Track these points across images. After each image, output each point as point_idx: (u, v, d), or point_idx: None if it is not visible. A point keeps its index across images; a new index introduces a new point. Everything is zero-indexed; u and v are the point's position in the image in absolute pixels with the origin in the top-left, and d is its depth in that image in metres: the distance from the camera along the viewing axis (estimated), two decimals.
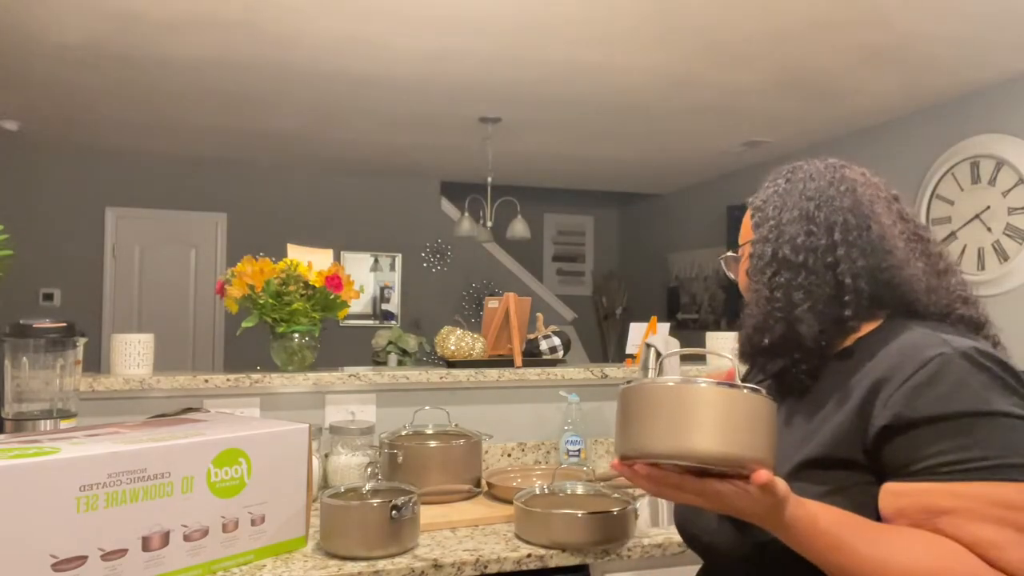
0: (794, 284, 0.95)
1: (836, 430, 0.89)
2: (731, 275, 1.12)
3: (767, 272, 0.98)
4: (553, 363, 2.16)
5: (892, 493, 0.84)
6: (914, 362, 0.86)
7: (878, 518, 0.85)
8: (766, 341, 0.96)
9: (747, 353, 1.01)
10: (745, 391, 0.81)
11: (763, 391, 0.82)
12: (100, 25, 3.28)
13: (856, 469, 0.87)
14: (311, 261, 1.90)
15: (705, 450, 0.78)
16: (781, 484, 0.80)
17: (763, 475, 0.78)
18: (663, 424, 0.80)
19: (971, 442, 0.81)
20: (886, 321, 0.96)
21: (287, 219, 6.33)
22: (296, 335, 1.91)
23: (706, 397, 0.80)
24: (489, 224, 5.13)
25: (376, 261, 6.74)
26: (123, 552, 1.10)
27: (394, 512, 1.32)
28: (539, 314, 2.35)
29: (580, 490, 1.55)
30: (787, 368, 0.97)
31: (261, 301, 1.84)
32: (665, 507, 1.51)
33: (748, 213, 1.08)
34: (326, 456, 1.79)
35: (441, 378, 2.01)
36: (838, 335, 0.95)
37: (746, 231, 1.08)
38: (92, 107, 4.60)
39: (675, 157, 5.91)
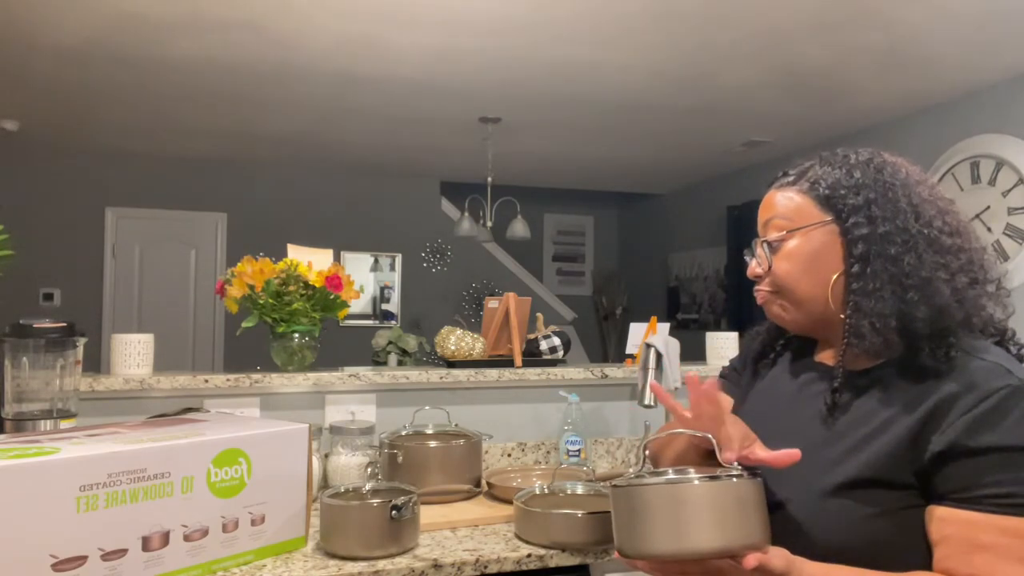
0: (940, 264, 0.92)
1: (887, 451, 0.87)
2: (761, 267, 1.02)
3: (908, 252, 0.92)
4: (553, 363, 2.16)
5: (938, 519, 0.84)
6: (979, 391, 0.84)
7: (927, 542, 0.85)
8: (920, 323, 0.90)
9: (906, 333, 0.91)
10: (733, 479, 0.84)
11: (745, 472, 0.84)
12: (100, 25, 3.28)
13: (905, 490, 0.86)
14: (311, 261, 1.90)
15: (705, 548, 0.82)
16: (776, 560, 0.82)
17: (751, 561, 0.81)
18: (660, 526, 0.83)
19: None
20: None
21: (287, 219, 6.33)
22: (296, 335, 1.91)
23: (698, 493, 0.83)
24: (489, 224, 5.13)
25: (376, 261, 6.74)
26: (123, 552, 1.10)
27: (394, 512, 1.32)
28: (539, 314, 2.35)
29: (580, 490, 1.54)
30: (914, 353, 0.90)
31: (261, 301, 1.84)
32: None
33: (798, 197, 0.99)
34: (326, 456, 1.79)
35: (441, 378, 2.01)
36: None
37: (800, 214, 0.99)
38: (92, 107, 4.60)
39: (675, 157, 5.91)
